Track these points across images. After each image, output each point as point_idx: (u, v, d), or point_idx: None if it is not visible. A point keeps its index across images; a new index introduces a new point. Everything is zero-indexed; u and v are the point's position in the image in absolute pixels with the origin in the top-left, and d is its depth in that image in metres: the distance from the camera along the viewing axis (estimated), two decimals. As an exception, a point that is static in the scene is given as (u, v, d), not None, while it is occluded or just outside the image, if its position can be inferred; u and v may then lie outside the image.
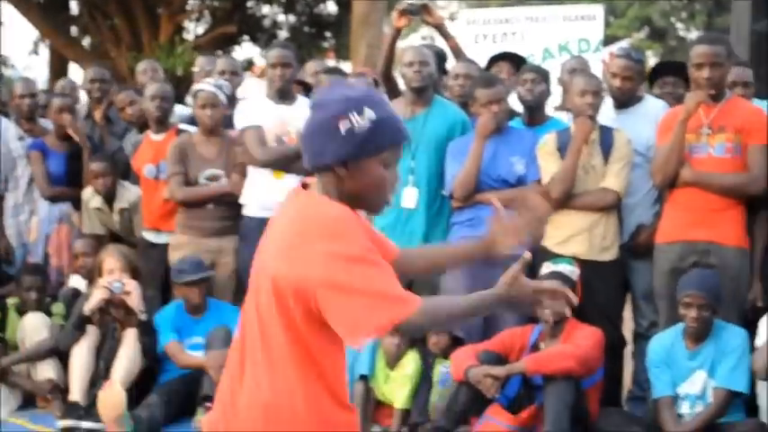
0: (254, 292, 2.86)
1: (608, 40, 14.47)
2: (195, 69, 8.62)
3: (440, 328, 2.99)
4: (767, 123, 6.11)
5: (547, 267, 6.08)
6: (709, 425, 5.67)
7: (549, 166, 6.37)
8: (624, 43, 11.46)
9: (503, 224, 3.10)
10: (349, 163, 2.77)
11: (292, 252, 2.70)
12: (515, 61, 7.79)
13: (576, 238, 6.28)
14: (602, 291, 6.25)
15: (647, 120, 6.49)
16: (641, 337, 6.39)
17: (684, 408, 5.81)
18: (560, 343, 5.94)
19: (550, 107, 7.32)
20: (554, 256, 6.19)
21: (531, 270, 5.81)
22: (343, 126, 2.75)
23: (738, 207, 6.05)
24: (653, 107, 6.70)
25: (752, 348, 5.67)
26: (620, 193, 6.33)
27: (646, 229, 6.41)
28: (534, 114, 6.89)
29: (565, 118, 7.16)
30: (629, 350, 6.68)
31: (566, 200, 6.28)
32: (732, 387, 5.69)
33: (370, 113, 2.76)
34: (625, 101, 6.74)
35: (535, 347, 6.03)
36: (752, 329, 5.76)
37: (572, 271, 6.05)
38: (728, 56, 6.14)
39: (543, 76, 6.90)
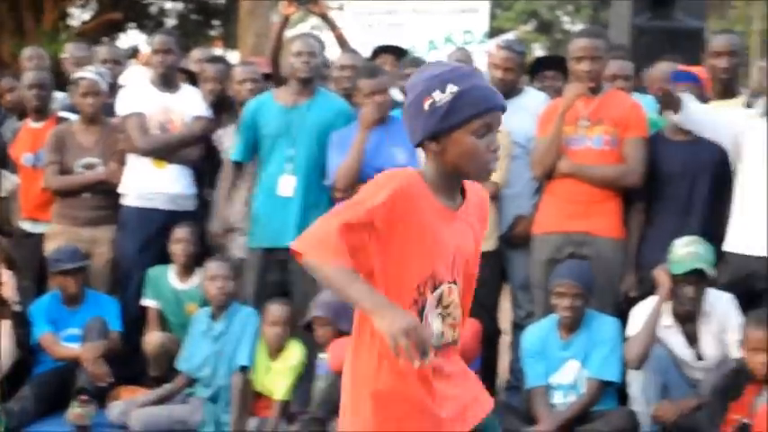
0: None
1: (495, 33, 14.61)
2: (65, 56, 8.44)
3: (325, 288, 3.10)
4: (644, 116, 6.21)
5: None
6: (581, 414, 5.74)
7: (429, 156, 6.37)
8: (510, 35, 11.56)
9: None
10: (439, 137, 2.88)
11: None
12: (398, 53, 7.80)
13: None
14: (480, 281, 6.24)
15: (528, 112, 6.54)
16: (519, 328, 6.44)
17: (557, 397, 5.87)
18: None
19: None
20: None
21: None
22: (426, 103, 2.87)
23: (615, 199, 6.14)
24: (533, 99, 6.77)
25: (624, 338, 5.75)
26: (499, 184, 6.37)
27: (524, 220, 6.47)
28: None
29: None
30: (507, 340, 6.73)
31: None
32: (604, 377, 5.77)
33: (451, 88, 2.86)
34: (506, 92, 6.79)
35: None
36: (626, 319, 5.85)
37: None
38: (607, 49, 6.22)
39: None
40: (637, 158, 6.09)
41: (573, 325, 5.85)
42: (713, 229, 5.91)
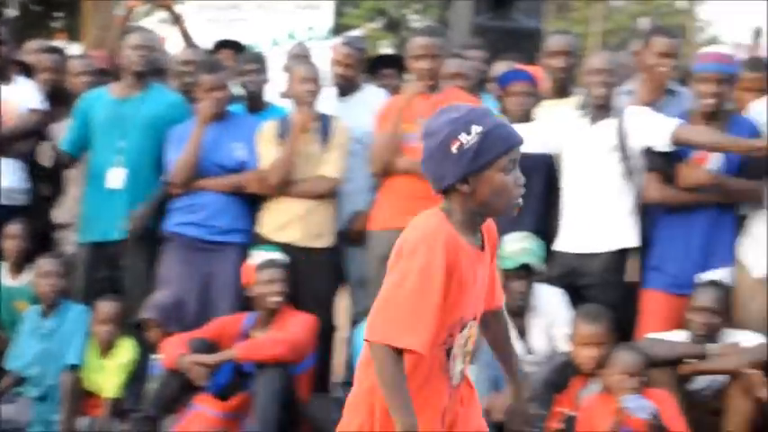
0: None
1: (342, 30, 14.65)
2: None
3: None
4: None
5: (258, 255, 6.08)
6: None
7: (267, 152, 6.37)
8: (357, 33, 11.62)
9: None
10: (469, 178, 2.93)
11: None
12: (237, 48, 7.77)
13: (291, 224, 6.30)
14: (317, 277, 6.29)
15: (367, 108, 6.57)
16: (356, 324, 6.46)
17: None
18: (273, 330, 5.94)
19: (274, 94, 7.31)
20: (269, 244, 6.20)
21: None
22: (454, 147, 2.91)
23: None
24: (373, 96, 6.80)
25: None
26: (337, 180, 6.38)
27: (362, 216, 6.49)
28: (255, 102, 6.86)
29: (289, 105, 7.16)
30: (343, 336, 6.74)
31: (284, 186, 6.29)
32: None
33: (476, 129, 2.92)
34: (346, 89, 6.81)
35: (247, 335, 6.01)
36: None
37: (283, 257, 6.07)
38: (445, 48, 6.29)
39: (261, 64, 6.89)
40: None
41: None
42: (546, 227, 6.01)
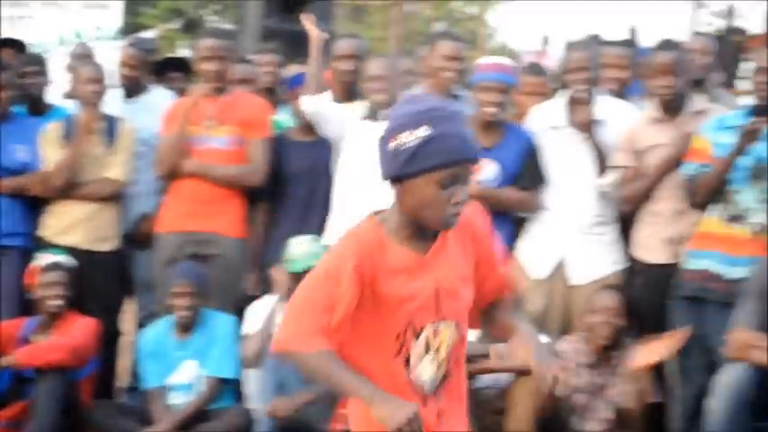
0: None
1: (139, 30, 14.45)
2: None
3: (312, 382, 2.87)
4: (269, 117, 6.32)
5: (42, 258, 5.96)
6: (198, 412, 5.77)
7: (51, 154, 6.25)
8: (150, 34, 11.49)
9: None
10: (401, 180, 2.69)
11: None
12: (20, 47, 7.59)
13: (75, 227, 6.21)
14: (102, 281, 6.21)
15: (153, 110, 6.52)
16: (142, 328, 6.39)
17: (176, 398, 5.88)
18: (54, 335, 5.83)
19: (57, 94, 7.16)
20: (52, 247, 6.08)
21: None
22: (393, 144, 2.67)
23: (237, 198, 6.21)
24: (159, 98, 6.74)
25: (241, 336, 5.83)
26: (122, 183, 6.31)
27: (148, 219, 6.42)
28: (36, 104, 6.71)
29: (73, 106, 7.03)
30: (129, 341, 6.66)
31: (68, 189, 6.18)
32: (220, 374, 5.83)
33: (423, 131, 2.64)
34: (132, 90, 6.74)
35: (27, 340, 5.88)
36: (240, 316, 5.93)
37: (68, 261, 5.97)
38: (233, 50, 6.29)
39: (41, 65, 6.77)
40: (260, 158, 6.19)
41: (189, 325, 5.88)
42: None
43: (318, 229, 6.01)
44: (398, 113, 2.72)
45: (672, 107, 5.72)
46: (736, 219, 5.35)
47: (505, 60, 6.07)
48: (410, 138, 2.64)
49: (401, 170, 2.66)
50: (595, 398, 5.51)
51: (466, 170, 2.69)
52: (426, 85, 6.28)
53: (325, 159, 6.18)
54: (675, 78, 5.64)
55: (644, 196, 5.75)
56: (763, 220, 5.31)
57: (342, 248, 2.73)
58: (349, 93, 6.58)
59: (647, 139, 5.74)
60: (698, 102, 5.84)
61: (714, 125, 5.49)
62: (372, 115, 6.00)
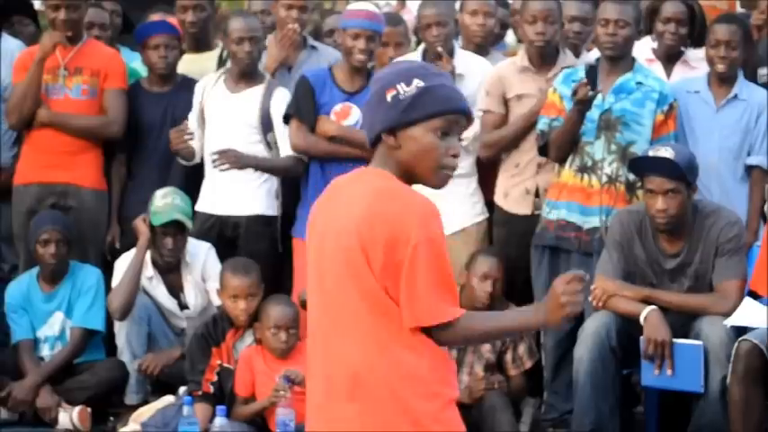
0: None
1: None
2: None
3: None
4: (123, 67, 6.24)
5: None
6: (67, 363, 5.76)
7: None
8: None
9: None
10: (397, 131, 2.76)
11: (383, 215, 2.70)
12: None
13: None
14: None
15: (3, 60, 6.34)
16: (4, 282, 6.27)
17: (45, 350, 5.85)
18: None
19: None
20: None
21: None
22: (389, 95, 2.77)
23: (95, 150, 6.16)
24: (8, 44, 6.56)
25: (109, 289, 5.79)
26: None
27: (5, 171, 6.28)
28: None
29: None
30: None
31: None
32: (87, 326, 5.80)
33: (417, 82, 2.77)
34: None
35: None
36: (109, 270, 5.89)
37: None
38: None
39: None
40: (116, 109, 6.14)
41: (56, 275, 5.82)
42: (194, 182, 6.06)
43: (179, 182, 6.00)
44: (387, 72, 2.85)
45: (544, 57, 5.80)
46: (587, 169, 5.54)
47: (373, 8, 6.14)
48: (408, 88, 2.76)
49: (401, 118, 2.76)
50: (467, 353, 5.65)
51: (460, 123, 2.81)
52: (275, 37, 6.26)
53: (180, 110, 6.15)
54: (549, 26, 5.71)
55: (505, 145, 5.87)
56: (612, 171, 5.51)
57: (429, 207, 2.73)
58: (198, 42, 6.55)
59: (516, 88, 5.82)
60: (569, 58, 5.92)
61: (563, 79, 5.59)
62: (232, 75, 6.00)
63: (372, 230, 2.69)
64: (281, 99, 5.94)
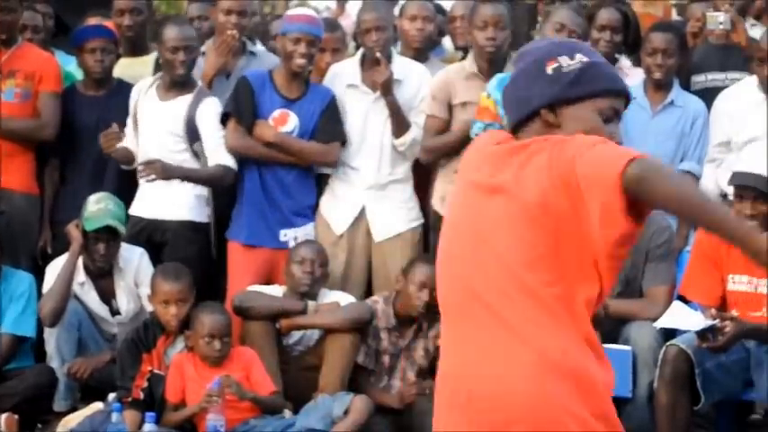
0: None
1: None
2: None
3: (655, 196, 2.33)
4: (58, 70, 6.19)
5: None
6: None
7: None
8: None
9: None
10: (557, 107, 2.51)
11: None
12: None
13: None
14: None
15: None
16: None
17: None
18: None
19: None
20: None
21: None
22: (550, 67, 2.52)
23: (28, 153, 6.11)
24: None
25: (40, 294, 5.74)
26: None
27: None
28: None
29: None
30: None
31: None
32: (18, 332, 5.72)
33: (581, 57, 2.53)
34: None
35: None
36: (41, 275, 5.83)
37: None
38: (21, 2, 6.15)
39: None
40: (49, 112, 6.09)
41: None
42: (128, 187, 6.02)
43: (113, 187, 5.95)
44: (539, 46, 2.64)
45: (493, 64, 5.77)
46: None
47: (314, 13, 6.11)
48: (572, 62, 2.53)
49: (565, 93, 2.51)
50: (400, 359, 5.66)
51: (621, 107, 2.57)
52: (214, 42, 6.22)
53: (115, 114, 6.10)
54: (499, 32, 5.69)
55: (447, 151, 5.84)
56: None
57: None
58: (135, 46, 6.51)
59: (461, 95, 5.80)
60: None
61: (497, 83, 5.49)
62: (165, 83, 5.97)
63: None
64: (208, 108, 5.92)
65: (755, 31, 6.39)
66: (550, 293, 2.43)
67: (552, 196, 2.41)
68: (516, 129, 2.58)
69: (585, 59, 2.52)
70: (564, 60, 2.52)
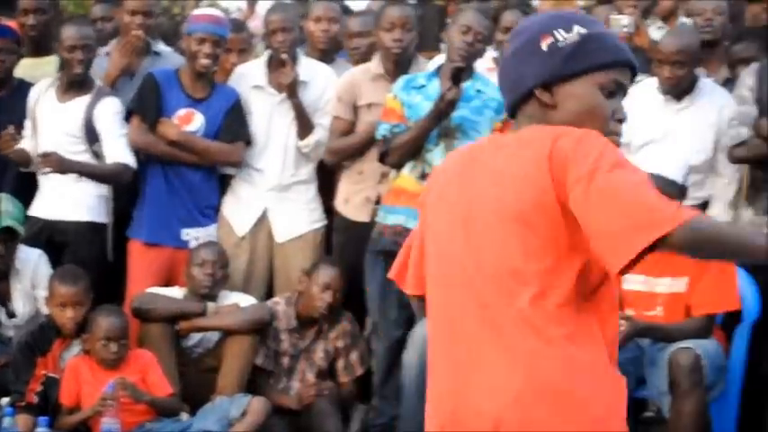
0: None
1: None
2: None
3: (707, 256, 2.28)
4: None
5: None
6: None
7: None
8: None
9: None
10: (554, 86, 2.30)
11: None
12: None
13: None
14: None
15: None
16: None
17: None
18: None
19: None
20: None
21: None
22: (545, 42, 2.30)
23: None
24: None
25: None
26: None
27: None
28: None
29: None
30: None
31: None
32: None
33: (579, 29, 2.31)
34: None
35: None
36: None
37: None
38: None
39: None
40: None
41: None
42: (27, 188, 5.93)
43: (11, 188, 5.87)
44: (534, 21, 2.42)
45: (399, 65, 5.75)
46: (426, 176, 5.46)
47: (219, 13, 6.08)
48: (568, 35, 2.32)
49: (561, 69, 2.30)
50: (300, 360, 5.65)
51: (625, 81, 2.35)
52: (117, 44, 6.18)
53: (15, 115, 6.01)
54: (406, 34, 5.68)
55: (352, 153, 5.84)
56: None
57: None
58: (39, 47, 6.43)
59: (367, 96, 5.79)
60: (422, 65, 5.88)
61: (403, 85, 5.54)
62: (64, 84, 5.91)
63: None
64: (106, 108, 5.86)
65: (661, 33, 6.44)
66: (547, 302, 2.24)
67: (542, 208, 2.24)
68: (512, 112, 2.40)
69: (584, 31, 2.32)
70: (560, 34, 2.32)
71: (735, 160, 5.58)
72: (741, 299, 5.07)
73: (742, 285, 5.11)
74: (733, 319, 5.18)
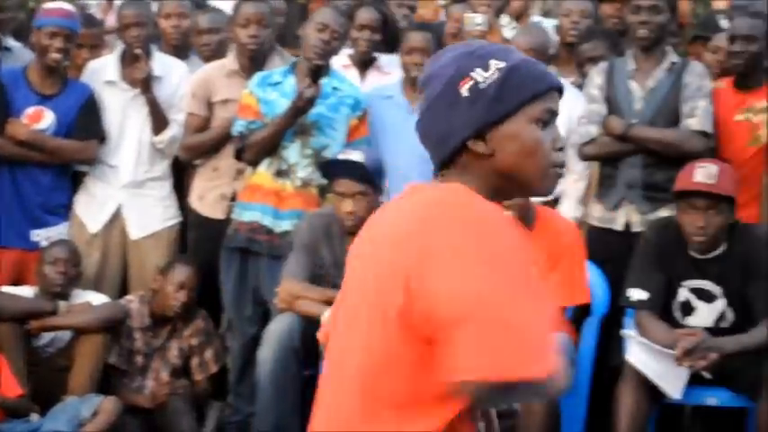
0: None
1: None
2: None
3: None
4: None
5: None
6: None
7: None
8: None
9: None
10: (486, 133, 2.08)
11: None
12: None
13: None
14: None
15: None
16: None
17: None
18: None
19: None
20: None
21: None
22: (464, 87, 2.08)
23: None
24: None
25: None
26: None
27: None
28: None
29: None
30: None
31: None
32: None
33: (496, 63, 2.08)
34: None
35: None
36: None
37: None
38: None
39: None
40: None
41: None
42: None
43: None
44: (443, 63, 2.14)
45: (254, 61, 5.73)
46: (282, 173, 5.52)
47: (70, 7, 5.99)
48: (487, 73, 2.10)
49: (492, 113, 2.09)
50: (154, 359, 5.60)
51: (556, 102, 2.15)
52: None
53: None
54: (262, 30, 5.66)
55: (207, 149, 5.81)
56: (306, 175, 5.50)
57: (494, 218, 2.02)
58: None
59: (222, 92, 5.76)
60: (277, 62, 5.86)
61: (259, 81, 5.54)
62: None
63: None
64: None
65: (514, 32, 6.55)
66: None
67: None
68: (441, 168, 2.16)
69: (502, 65, 2.11)
70: (478, 75, 2.10)
71: (585, 158, 5.70)
72: (591, 293, 5.17)
73: (592, 279, 5.22)
74: (582, 312, 5.27)
